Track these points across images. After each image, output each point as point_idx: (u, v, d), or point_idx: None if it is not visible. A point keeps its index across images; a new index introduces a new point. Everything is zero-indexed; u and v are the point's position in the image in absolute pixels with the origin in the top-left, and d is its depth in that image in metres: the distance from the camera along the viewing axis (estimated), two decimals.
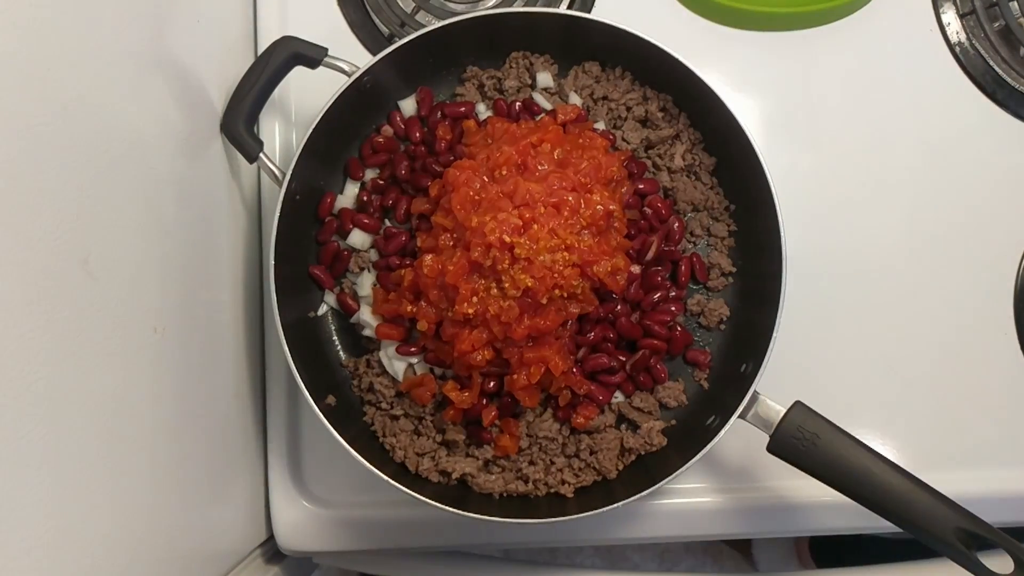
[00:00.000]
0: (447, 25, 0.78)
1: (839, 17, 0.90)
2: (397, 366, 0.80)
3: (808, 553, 1.48)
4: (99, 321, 0.56)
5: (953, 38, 0.91)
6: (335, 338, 0.84)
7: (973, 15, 0.90)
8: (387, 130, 0.84)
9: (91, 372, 0.55)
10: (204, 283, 0.75)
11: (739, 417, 0.72)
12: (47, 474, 0.50)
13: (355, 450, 0.73)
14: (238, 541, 0.82)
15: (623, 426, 0.81)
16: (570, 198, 0.72)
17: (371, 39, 0.90)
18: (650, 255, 0.79)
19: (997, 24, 0.90)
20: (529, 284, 0.70)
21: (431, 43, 0.79)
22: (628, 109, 0.84)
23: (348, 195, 0.84)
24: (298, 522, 0.84)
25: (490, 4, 0.90)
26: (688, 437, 0.78)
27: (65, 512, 0.52)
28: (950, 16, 0.91)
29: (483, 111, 0.84)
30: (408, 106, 0.84)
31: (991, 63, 0.90)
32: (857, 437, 0.69)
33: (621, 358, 0.79)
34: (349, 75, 0.77)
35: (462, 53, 0.84)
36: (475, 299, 0.72)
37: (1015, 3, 0.89)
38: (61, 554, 0.51)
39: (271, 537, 0.86)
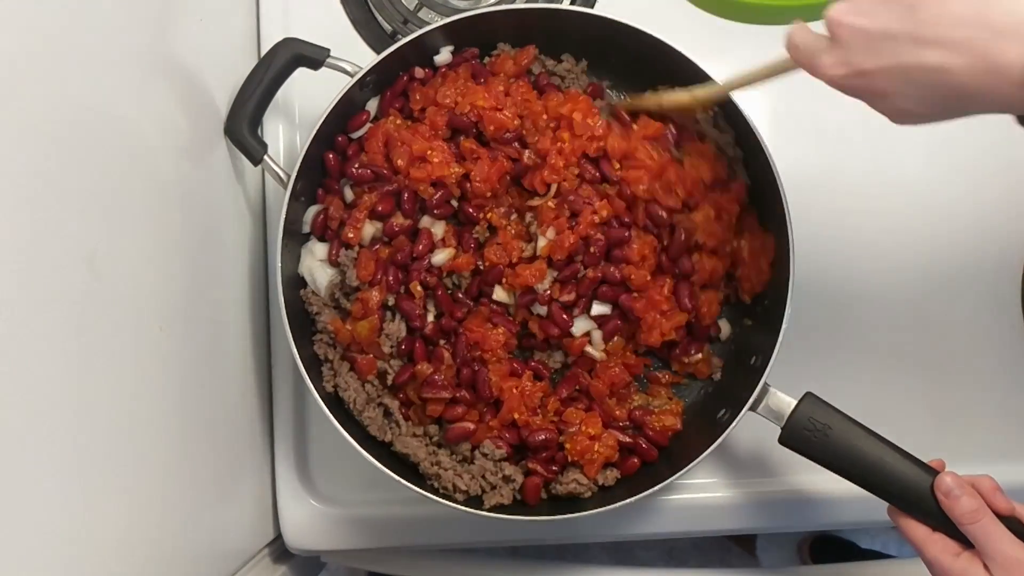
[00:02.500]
0: (451, 22, 0.78)
1: None
2: (319, 276, 0.78)
3: (809, 555, 1.49)
4: (104, 319, 0.56)
5: None
6: None
7: None
8: None
9: (97, 371, 0.55)
10: (209, 283, 0.75)
11: (750, 410, 0.72)
12: (59, 474, 0.50)
13: (362, 447, 0.73)
14: (246, 540, 0.82)
15: None
16: None
17: (374, 37, 0.90)
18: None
19: None
20: None
21: (435, 40, 0.79)
22: None
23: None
24: (306, 520, 0.84)
25: (491, 1, 0.90)
26: (699, 431, 0.78)
27: (76, 513, 0.52)
28: None
29: None
30: None
31: None
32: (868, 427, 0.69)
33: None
34: (351, 75, 0.77)
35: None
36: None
37: None
38: (79, 554, 0.51)
39: (279, 536, 0.86)
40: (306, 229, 0.80)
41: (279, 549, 0.87)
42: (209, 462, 0.73)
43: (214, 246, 0.77)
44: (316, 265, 0.78)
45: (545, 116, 0.78)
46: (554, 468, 0.76)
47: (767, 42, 0.87)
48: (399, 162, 0.77)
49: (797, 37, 0.58)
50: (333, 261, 0.78)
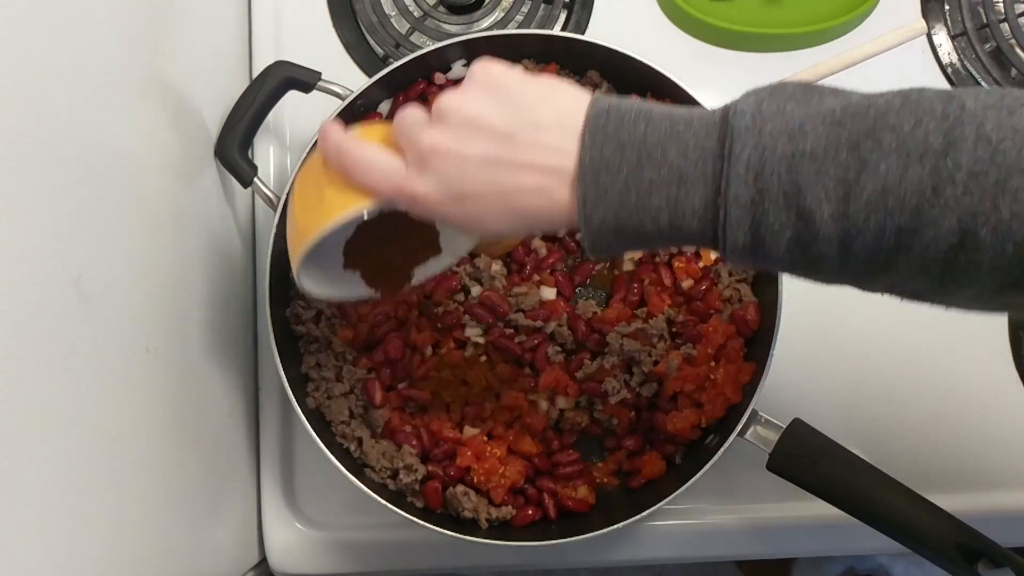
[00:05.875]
0: (443, 47, 0.79)
1: (832, 38, 0.91)
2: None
3: None
4: (91, 341, 0.55)
5: (945, 59, 0.91)
6: None
7: (964, 36, 0.91)
8: None
9: (83, 393, 0.54)
10: (197, 304, 0.74)
11: (738, 435, 0.72)
12: (41, 497, 0.49)
13: (347, 470, 0.73)
14: (230, 563, 0.81)
15: None
16: None
17: (366, 60, 0.90)
18: None
19: (988, 45, 0.91)
20: None
21: (426, 65, 0.80)
22: None
23: None
24: (291, 544, 0.84)
25: (484, 25, 0.91)
26: (687, 456, 0.77)
27: (58, 537, 0.51)
28: (942, 38, 0.92)
29: None
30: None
31: (983, 84, 0.90)
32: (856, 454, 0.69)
33: None
34: (343, 99, 0.77)
35: None
36: None
37: (1006, 25, 0.90)
38: None
39: (264, 560, 0.85)
40: None
41: (263, 573, 0.86)
42: (194, 485, 0.73)
43: (203, 267, 0.76)
44: None
45: None
46: (451, 474, 0.77)
47: (755, 68, 0.90)
48: None
49: (382, 163, 0.54)
50: None
